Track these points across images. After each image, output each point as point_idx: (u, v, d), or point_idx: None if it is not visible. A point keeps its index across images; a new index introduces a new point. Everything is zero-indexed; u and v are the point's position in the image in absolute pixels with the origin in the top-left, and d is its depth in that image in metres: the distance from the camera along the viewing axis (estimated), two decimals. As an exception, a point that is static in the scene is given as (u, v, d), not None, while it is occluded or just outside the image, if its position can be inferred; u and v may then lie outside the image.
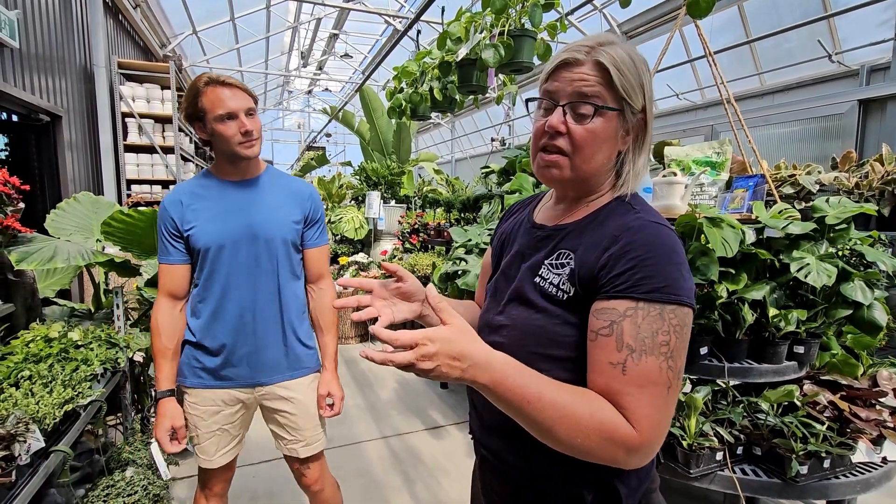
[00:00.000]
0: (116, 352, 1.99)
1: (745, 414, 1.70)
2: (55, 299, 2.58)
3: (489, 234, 2.59)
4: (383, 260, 5.06)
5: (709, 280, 1.65)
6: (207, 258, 1.39)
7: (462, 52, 1.92)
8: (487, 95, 2.78)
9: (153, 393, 2.51)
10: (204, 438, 1.46)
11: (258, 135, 1.38)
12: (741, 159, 2.36)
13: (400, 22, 8.32)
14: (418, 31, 2.76)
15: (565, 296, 0.75)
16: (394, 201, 5.57)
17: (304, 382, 1.53)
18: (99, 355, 1.84)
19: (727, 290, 1.67)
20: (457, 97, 2.38)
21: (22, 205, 1.97)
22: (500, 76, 2.06)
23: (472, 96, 2.28)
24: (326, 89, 14.43)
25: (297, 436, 1.52)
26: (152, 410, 2.54)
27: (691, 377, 1.74)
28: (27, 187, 1.85)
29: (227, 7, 8.11)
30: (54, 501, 1.70)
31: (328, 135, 14.17)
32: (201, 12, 8.11)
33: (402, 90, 2.67)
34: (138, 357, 2.64)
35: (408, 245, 5.09)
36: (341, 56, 11.00)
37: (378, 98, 6.29)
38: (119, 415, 2.39)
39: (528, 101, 0.90)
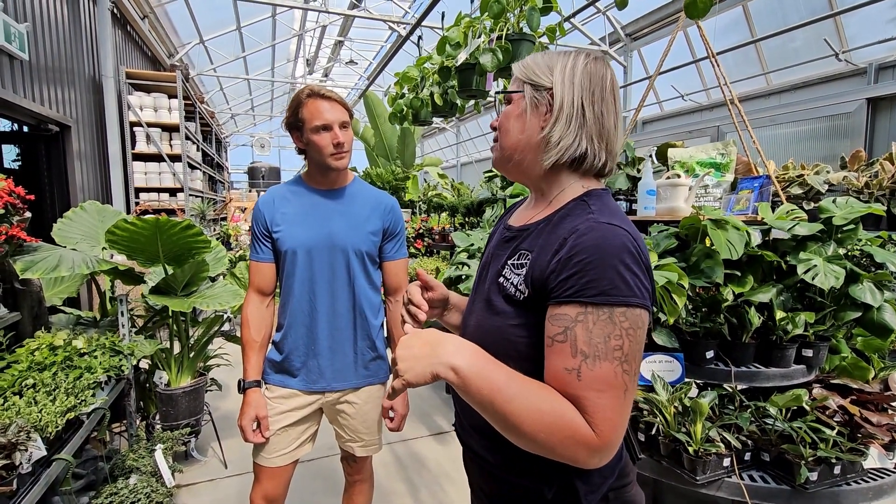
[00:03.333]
0: (121, 359, 2.00)
1: (752, 419, 1.66)
2: (62, 307, 2.60)
3: (492, 239, 2.58)
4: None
5: (714, 283, 1.63)
6: (288, 261, 1.45)
7: (461, 56, 1.91)
8: (489, 100, 2.78)
9: (156, 398, 2.53)
10: (268, 436, 1.48)
11: (349, 147, 1.43)
12: (746, 160, 2.33)
13: (403, 28, 8.35)
14: (419, 37, 2.77)
15: (522, 296, 0.77)
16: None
17: (371, 392, 1.57)
18: (103, 363, 1.85)
19: (733, 292, 1.64)
20: (457, 102, 2.38)
21: (28, 214, 1.99)
22: (500, 81, 2.06)
23: (473, 101, 2.28)
24: (332, 96, 14.51)
25: (355, 436, 1.58)
26: (157, 417, 2.55)
27: (697, 381, 1.71)
28: (32, 197, 1.87)
29: (234, 16, 8.20)
30: (58, 509, 1.71)
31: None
32: (208, 22, 8.22)
33: (403, 96, 2.67)
34: (144, 364, 2.66)
35: (412, 250, 5.09)
36: (346, 63, 11.07)
37: (382, 104, 6.31)
38: (124, 422, 2.40)
39: (497, 93, 0.97)
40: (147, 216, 2.05)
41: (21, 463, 1.26)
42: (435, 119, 2.62)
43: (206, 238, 2.28)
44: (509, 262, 0.83)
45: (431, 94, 2.37)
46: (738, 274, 1.67)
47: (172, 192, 6.06)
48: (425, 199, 5.14)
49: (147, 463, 2.05)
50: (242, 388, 1.47)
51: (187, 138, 6.05)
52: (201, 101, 8.06)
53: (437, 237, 4.76)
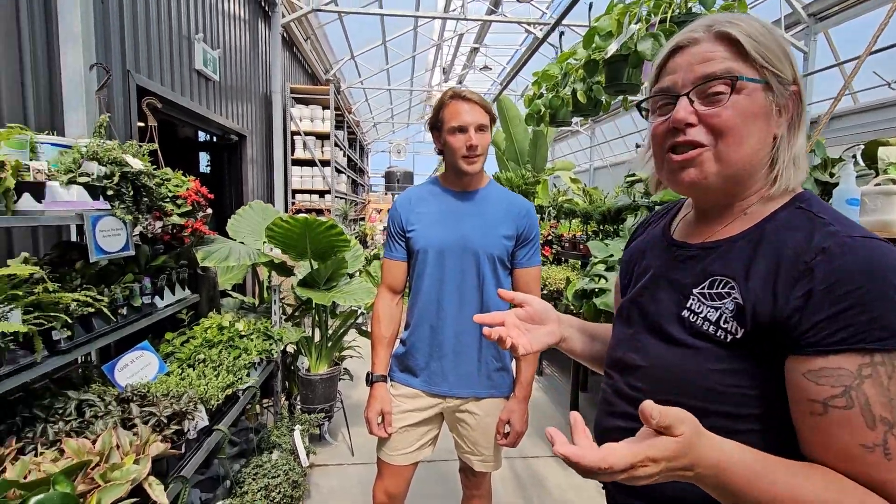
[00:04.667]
0: (271, 344, 2.22)
1: None
2: (230, 292, 3.00)
3: (634, 250, 2.32)
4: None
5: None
6: (419, 261, 1.47)
7: (612, 47, 1.73)
8: (637, 97, 2.51)
9: (299, 380, 2.77)
10: (389, 434, 1.51)
11: (482, 151, 1.41)
12: None
13: (540, 29, 8.20)
14: (561, 34, 2.62)
15: (730, 337, 0.58)
16: (527, 211, 5.44)
17: (495, 404, 1.51)
18: (257, 346, 2.06)
19: None
20: (602, 99, 2.18)
21: (209, 210, 2.31)
22: None
23: (620, 96, 2.07)
24: (465, 102, 14.92)
25: (474, 449, 1.53)
26: (297, 398, 2.80)
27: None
28: (212, 196, 2.16)
29: (381, 32, 8.88)
30: (216, 472, 1.93)
31: None
32: (359, 40, 9.02)
33: (541, 96, 2.56)
34: (290, 349, 2.93)
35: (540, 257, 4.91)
36: (481, 69, 11.26)
37: (515, 107, 6.26)
38: (271, 399, 2.67)
39: (638, 105, 0.74)
40: (299, 215, 2.23)
41: (188, 430, 1.43)
42: (574, 119, 2.45)
43: (346, 237, 2.42)
44: (696, 290, 0.64)
45: (573, 92, 2.22)
46: None
47: (322, 193, 6.73)
48: (555, 204, 4.93)
49: (287, 441, 2.23)
50: (370, 381, 1.51)
51: (336, 145, 6.67)
52: (349, 112, 8.85)
53: (566, 245, 4.52)
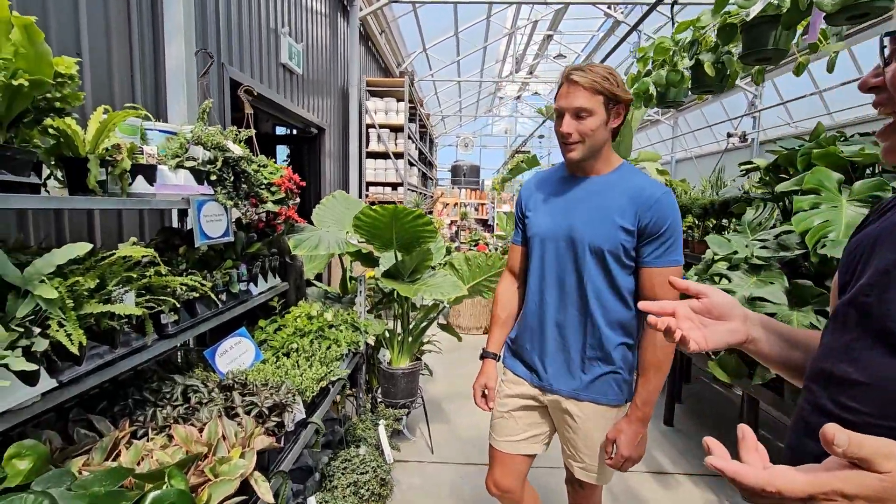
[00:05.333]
0: (359, 335, 2.16)
1: None
2: (314, 282, 3.02)
3: (762, 246, 2.01)
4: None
5: None
6: (529, 248, 1.44)
7: (757, 6, 1.46)
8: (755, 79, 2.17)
9: (379, 372, 2.73)
10: (496, 416, 1.53)
11: (579, 138, 1.27)
12: None
13: (621, 11, 7.70)
14: (674, 2, 2.34)
15: None
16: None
17: (597, 410, 1.38)
18: (346, 337, 2.01)
19: None
20: (728, 72, 1.89)
21: (298, 199, 2.30)
22: (827, 27, 1.53)
23: (757, 66, 1.77)
24: (536, 93, 14.50)
25: (575, 454, 1.44)
26: (378, 391, 2.76)
27: None
28: (304, 183, 2.13)
29: (453, 22, 8.77)
30: (306, 462, 1.91)
31: (541, 136, 14.21)
32: (431, 32, 8.98)
33: (649, 73, 2.30)
34: (370, 341, 2.89)
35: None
36: (555, 57, 10.84)
37: (596, 94, 5.87)
38: (353, 390, 2.65)
39: (888, 35, 0.58)
40: (387, 205, 2.16)
41: (287, 422, 1.38)
42: (684, 99, 2.17)
43: (433, 228, 2.32)
44: None
45: (697, 64, 1.95)
46: None
47: (394, 186, 6.76)
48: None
49: (372, 435, 2.18)
50: (482, 356, 1.55)
51: (409, 138, 6.66)
52: (420, 104, 8.85)
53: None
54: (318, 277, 3.78)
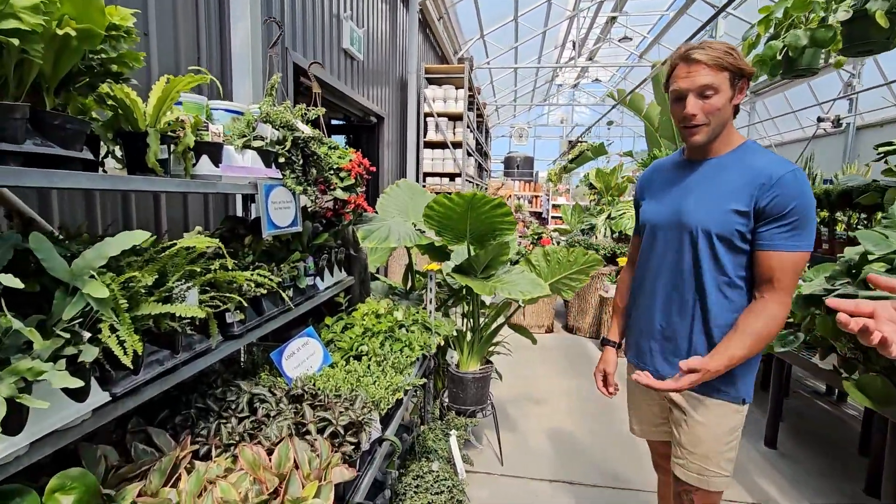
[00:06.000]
0: (429, 336, 1.96)
1: None
2: (377, 275, 2.85)
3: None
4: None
5: None
6: (642, 235, 1.43)
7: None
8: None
9: (447, 374, 2.53)
10: (630, 404, 1.59)
11: (705, 119, 1.20)
12: None
13: (700, -14, 7.04)
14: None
15: None
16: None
17: (709, 405, 1.30)
18: (418, 339, 1.81)
19: None
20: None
21: (367, 185, 2.13)
22: None
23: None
24: (596, 79, 13.78)
25: (678, 449, 1.37)
26: (445, 395, 2.56)
27: None
28: (374, 168, 1.95)
29: (512, 7, 8.41)
30: (375, 478, 1.73)
31: (610, 123, 13.50)
32: (489, 16, 8.65)
33: (774, 36, 1.91)
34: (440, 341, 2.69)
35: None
36: (619, 40, 10.20)
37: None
38: (421, 395, 2.46)
39: None
40: (463, 192, 1.93)
41: (363, 442, 1.19)
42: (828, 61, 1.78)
43: (512, 219, 2.08)
44: None
45: (854, 18, 1.56)
46: None
47: (451, 176, 6.54)
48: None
49: (443, 447, 1.98)
50: (601, 343, 1.60)
51: (467, 127, 6.41)
52: (479, 92, 8.57)
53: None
54: (377, 271, 3.63)
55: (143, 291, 0.87)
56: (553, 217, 14.56)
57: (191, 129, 1.11)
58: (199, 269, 1.12)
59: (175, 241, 0.98)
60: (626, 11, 10.19)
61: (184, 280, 1.01)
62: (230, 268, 1.15)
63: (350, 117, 5.20)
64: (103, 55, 0.85)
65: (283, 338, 1.62)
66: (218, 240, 1.55)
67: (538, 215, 14.58)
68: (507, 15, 8.78)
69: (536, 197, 15.19)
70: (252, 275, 1.23)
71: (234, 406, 1.17)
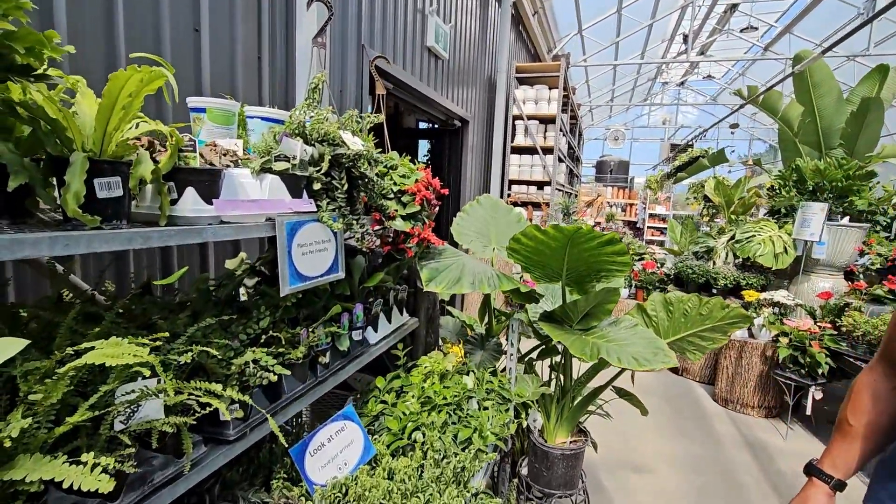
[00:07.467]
0: (507, 410, 1.50)
1: None
2: (448, 308, 2.44)
3: None
4: (823, 305, 3.31)
5: None
6: None
7: None
8: None
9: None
10: None
11: None
12: None
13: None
14: None
15: None
16: (846, 219, 3.66)
17: None
18: (493, 424, 1.35)
19: None
20: None
21: (436, 210, 1.71)
22: None
23: None
24: (709, 76, 12.29)
25: None
26: (525, 465, 2.07)
27: None
28: (446, 191, 1.53)
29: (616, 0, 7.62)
30: None
31: (734, 126, 11.99)
32: (590, 11, 7.92)
33: None
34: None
35: (876, 291, 3.19)
36: (742, 30, 8.89)
37: (827, 68, 4.31)
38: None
39: None
40: (564, 225, 1.44)
41: None
42: None
43: (626, 259, 1.54)
44: None
45: None
46: None
47: (540, 185, 5.98)
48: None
49: (519, 558, 1.50)
50: (806, 470, 1.00)
51: (559, 130, 5.81)
52: (573, 93, 7.88)
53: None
54: (451, 299, 3.22)
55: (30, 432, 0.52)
56: (649, 227, 13.25)
57: (171, 148, 0.75)
58: (179, 349, 0.76)
59: (90, 346, 0.61)
60: (752, -3, 8.89)
61: (147, 370, 0.65)
62: (213, 354, 0.78)
63: (432, 121, 4.86)
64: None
65: (319, 425, 1.25)
66: (252, 269, 1.21)
67: (632, 225, 13.35)
68: (609, 7, 7.98)
69: (631, 205, 13.95)
70: (256, 355, 0.86)
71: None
